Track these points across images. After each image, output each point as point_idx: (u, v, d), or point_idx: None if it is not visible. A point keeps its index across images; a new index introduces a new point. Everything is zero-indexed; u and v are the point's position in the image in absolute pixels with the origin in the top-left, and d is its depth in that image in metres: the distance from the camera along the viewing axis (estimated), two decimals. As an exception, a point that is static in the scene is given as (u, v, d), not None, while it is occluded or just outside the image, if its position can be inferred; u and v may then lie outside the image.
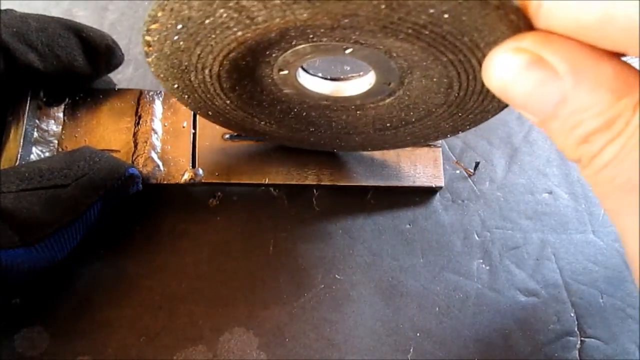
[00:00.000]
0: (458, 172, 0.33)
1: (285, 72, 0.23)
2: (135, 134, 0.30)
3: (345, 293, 0.29)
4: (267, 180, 0.30)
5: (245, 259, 0.30)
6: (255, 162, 0.30)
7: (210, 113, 0.26)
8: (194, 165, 0.30)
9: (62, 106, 0.30)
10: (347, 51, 0.21)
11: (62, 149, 0.29)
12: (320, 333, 0.28)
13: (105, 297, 0.28)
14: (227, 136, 0.31)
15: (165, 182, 0.29)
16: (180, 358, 0.27)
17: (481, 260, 0.30)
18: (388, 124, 0.26)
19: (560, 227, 0.32)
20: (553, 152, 0.34)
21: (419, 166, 0.31)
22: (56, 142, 0.29)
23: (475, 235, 0.31)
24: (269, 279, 0.29)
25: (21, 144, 0.27)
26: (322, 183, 0.30)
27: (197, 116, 0.31)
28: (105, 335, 0.27)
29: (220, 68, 0.22)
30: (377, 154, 0.31)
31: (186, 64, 0.22)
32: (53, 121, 0.29)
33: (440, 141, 0.32)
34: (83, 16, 0.37)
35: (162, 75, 0.23)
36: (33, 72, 0.27)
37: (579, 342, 0.28)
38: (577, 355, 0.28)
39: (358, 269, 0.30)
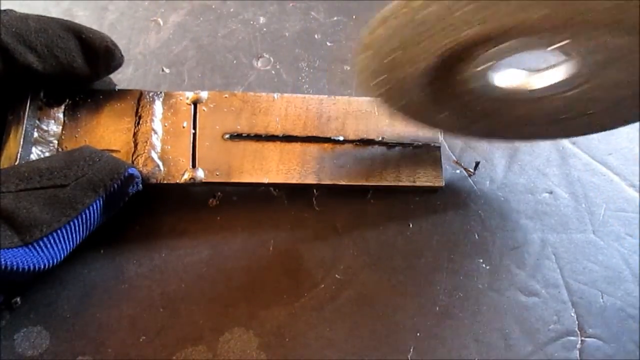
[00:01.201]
0: (458, 172, 0.33)
1: (482, 67, 0.23)
2: (135, 134, 0.30)
3: (345, 293, 0.29)
4: (267, 179, 0.30)
5: (245, 259, 0.30)
6: (255, 162, 0.30)
7: (401, 104, 0.27)
8: (194, 165, 0.30)
9: (63, 107, 0.30)
10: (552, 47, 0.21)
11: (62, 149, 0.29)
12: (320, 333, 0.28)
13: (105, 297, 0.28)
14: (227, 136, 0.31)
15: (165, 182, 0.29)
16: (180, 358, 0.27)
17: (481, 260, 0.30)
18: (566, 116, 0.26)
19: (561, 227, 0.31)
20: (553, 151, 0.34)
21: (420, 166, 0.31)
22: (56, 142, 0.29)
23: (475, 235, 0.31)
24: (269, 279, 0.29)
25: (21, 144, 0.27)
26: (322, 182, 0.30)
27: (197, 116, 0.31)
28: (105, 335, 0.27)
29: (431, 64, 0.23)
30: (377, 154, 0.31)
31: (400, 59, 0.23)
32: (53, 121, 0.29)
33: (440, 140, 0.32)
34: (83, 16, 0.37)
35: (369, 71, 0.24)
36: (32, 73, 0.27)
37: (579, 341, 0.28)
38: (578, 355, 0.28)
39: (358, 269, 0.30)
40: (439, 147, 0.32)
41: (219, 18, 0.39)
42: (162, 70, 0.36)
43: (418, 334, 0.28)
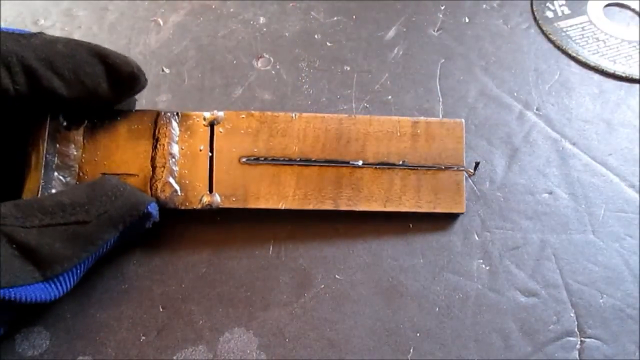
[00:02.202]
0: (458, 172, 0.33)
1: None
2: (153, 159, 0.30)
3: (345, 293, 0.29)
4: (283, 205, 0.30)
5: (245, 259, 0.30)
6: (271, 187, 0.30)
7: None
8: (210, 190, 0.30)
9: (81, 129, 0.30)
10: None
11: (83, 173, 0.29)
12: (320, 333, 0.28)
13: (105, 297, 0.28)
14: (244, 159, 0.30)
15: (183, 208, 0.29)
16: (180, 358, 0.27)
17: (481, 261, 0.30)
18: None
19: (560, 228, 0.32)
20: (553, 152, 0.34)
21: (440, 191, 0.31)
22: (77, 166, 0.29)
23: (475, 236, 0.31)
24: (269, 279, 0.29)
25: (42, 172, 0.27)
26: (340, 209, 0.30)
27: (214, 139, 0.30)
28: (105, 335, 0.27)
29: None
30: (397, 178, 0.31)
31: None
32: (73, 145, 0.29)
33: (464, 163, 0.31)
34: (83, 16, 0.37)
35: None
36: (56, 98, 0.27)
37: (578, 342, 0.28)
38: (577, 355, 0.28)
39: (358, 269, 0.30)
40: (462, 171, 0.31)
41: (219, 18, 0.39)
42: (162, 70, 0.36)
43: (418, 334, 0.28)
